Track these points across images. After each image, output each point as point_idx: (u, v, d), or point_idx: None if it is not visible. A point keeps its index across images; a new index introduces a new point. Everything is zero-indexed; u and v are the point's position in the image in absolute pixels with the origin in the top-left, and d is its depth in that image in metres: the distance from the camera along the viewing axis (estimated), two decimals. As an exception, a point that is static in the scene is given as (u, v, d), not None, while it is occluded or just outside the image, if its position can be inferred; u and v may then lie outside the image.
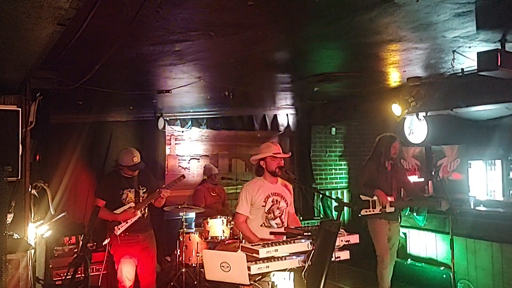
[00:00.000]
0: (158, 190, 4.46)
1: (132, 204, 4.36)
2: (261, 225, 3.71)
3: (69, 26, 2.08)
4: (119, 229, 4.28)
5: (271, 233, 3.45)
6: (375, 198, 4.85)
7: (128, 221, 4.31)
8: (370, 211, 4.85)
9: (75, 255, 3.15)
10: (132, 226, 4.33)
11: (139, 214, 4.36)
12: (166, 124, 6.73)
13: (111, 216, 4.28)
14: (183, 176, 4.76)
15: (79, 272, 3.05)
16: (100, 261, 5.11)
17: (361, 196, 4.91)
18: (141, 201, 4.41)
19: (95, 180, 5.92)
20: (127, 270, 4.34)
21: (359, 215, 4.88)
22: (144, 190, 4.47)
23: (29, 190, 3.83)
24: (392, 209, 4.87)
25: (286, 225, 3.83)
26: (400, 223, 5.10)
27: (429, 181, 6.94)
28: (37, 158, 4.33)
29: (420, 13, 2.77)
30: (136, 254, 4.41)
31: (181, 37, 3.05)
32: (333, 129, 8.39)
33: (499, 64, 3.28)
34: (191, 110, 6.91)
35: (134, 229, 4.35)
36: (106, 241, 4.37)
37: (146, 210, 4.47)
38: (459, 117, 6.58)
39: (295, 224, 3.87)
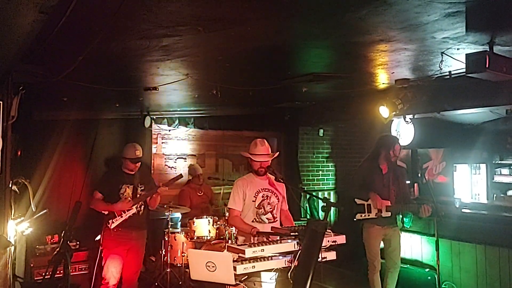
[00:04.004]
0: (156, 186, 4.54)
1: (129, 199, 4.44)
2: (252, 221, 3.70)
3: (51, 15, 2.01)
4: (113, 222, 4.32)
5: (258, 232, 3.41)
6: (370, 201, 4.68)
7: (123, 214, 4.36)
8: (365, 215, 4.66)
9: (55, 252, 3.07)
10: (126, 222, 4.38)
11: (134, 209, 4.41)
12: (153, 123, 6.65)
13: (106, 207, 4.36)
14: (181, 175, 4.87)
15: (59, 270, 2.96)
16: (82, 260, 5.06)
17: (356, 200, 4.71)
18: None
19: (80, 178, 5.87)
20: (114, 266, 4.35)
21: (354, 219, 4.70)
22: (142, 189, 4.57)
23: (10, 185, 3.73)
24: (389, 214, 4.68)
25: (278, 220, 3.80)
26: (398, 226, 4.92)
27: (415, 184, 7.00)
28: (19, 153, 4.26)
29: (410, 13, 2.76)
30: (123, 253, 4.42)
31: (169, 32, 3.00)
32: (321, 131, 8.42)
33: (487, 66, 3.29)
34: (178, 109, 6.85)
35: (127, 225, 4.39)
36: (98, 237, 4.37)
37: (142, 208, 4.53)
38: (445, 120, 6.64)
39: (289, 221, 3.87)
